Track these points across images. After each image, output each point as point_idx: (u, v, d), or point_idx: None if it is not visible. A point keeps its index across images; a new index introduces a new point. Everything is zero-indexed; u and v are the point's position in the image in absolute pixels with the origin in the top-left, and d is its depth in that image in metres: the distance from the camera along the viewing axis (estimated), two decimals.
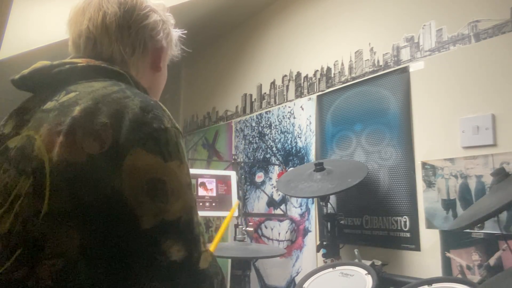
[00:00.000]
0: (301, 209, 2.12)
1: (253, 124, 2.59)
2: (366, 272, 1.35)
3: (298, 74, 2.30)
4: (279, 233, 2.25)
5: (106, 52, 0.76)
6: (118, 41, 0.77)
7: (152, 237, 0.61)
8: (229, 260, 2.25)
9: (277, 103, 2.43)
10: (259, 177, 2.46)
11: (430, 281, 1.23)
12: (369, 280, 1.31)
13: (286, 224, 2.21)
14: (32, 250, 0.58)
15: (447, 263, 1.45)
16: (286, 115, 2.33)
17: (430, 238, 1.53)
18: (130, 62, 0.78)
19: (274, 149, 2.38)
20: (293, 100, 2.31)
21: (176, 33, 0.88)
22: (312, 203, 2.05)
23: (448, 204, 1.47)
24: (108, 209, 0.59)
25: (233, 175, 2.02)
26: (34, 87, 0.72)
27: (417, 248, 1.56)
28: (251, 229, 2.00)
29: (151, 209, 0.61)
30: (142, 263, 0.61)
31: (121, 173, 0.60)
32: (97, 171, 0.59)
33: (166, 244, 0.61)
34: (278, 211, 2.23)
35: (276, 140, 2.37)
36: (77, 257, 0.58)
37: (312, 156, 2.10)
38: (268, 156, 2.43)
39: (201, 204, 1.87)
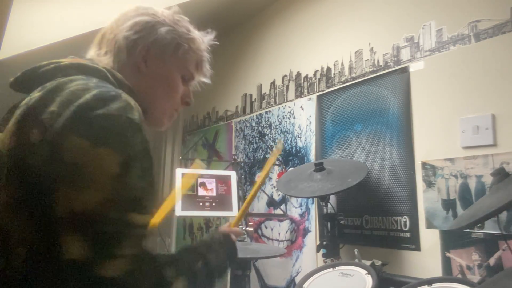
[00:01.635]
0: (301, 209, 2.12)
1: (253, 124, 2.59)
2: (366, 272, 1.35)
3: (298, 74, 2.30)
4: (279, 233, 2.25)
5: (96, 55, 0.80)
6: (102, 48, 0.81)
7: (58, 227, 0.56)
8: None
9: (277, 103, 2.43)
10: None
11: (430, 281, 1.23)
12: (369, 280, 1.31)
13: (286, 224, 2.21)
14: (4, 240, 0.60)
15: (447, 263, 1.45)
16: (286, 115, 2.33)
17: (430, 238, 1.53)
18: (114, 65, 0.79)
19: (274, 149, 2.38)
20: (293, 100, 2.31)
21: (171, 32, 0.83)
22: (312, 203, 2.05)
23: (448, 204, 1.47)
24: (39, 198, 0.58)
25: (233, 175, 2.02)
26: (27, 88, 0.73)
27: (417, 248, 1.56)
28: (251, 229, 2.00)
29: (63, 196, 0.57)
30: (46, 256, 0.58)
31: (50, 159, 0.58)
32: (37, 159, 0.59)
33: (67, 238, 0.56)
34: (278, 211, 2.23)
35: (276, 140, 2.37)
36: (37, 243, 0.58)
37: (312, 156, 2.10)
38: (268, 156, 2.43)
39: (201, 204, 1.87)
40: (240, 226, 1.94)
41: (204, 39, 0.90)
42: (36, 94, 0.65)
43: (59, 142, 0.58)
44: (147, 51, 0.80)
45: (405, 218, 1.62)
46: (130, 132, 0.61)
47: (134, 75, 0.80)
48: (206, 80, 0.96)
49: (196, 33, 0.87)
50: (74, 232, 0.56)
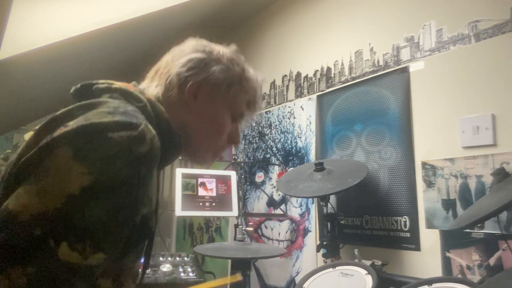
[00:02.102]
0: (301, 209, 2.12)
1: (253, 124, 2.59)
2: (366, 272, 1.35)
3: (298, 74, 2.30)
4: (279, 233, 2.25)
5: (147, 90, 0.80)
6: (155, 81, 0.81)
7: None
8: (229, 260, 2.25)
9: (277, 103, 2.43)
10: (259, 177, 2.46)
11: (430, 281, 1.23)
12: (369, 280, 1.31)
13: (286, 224, 2.21)
14: None
15: (447, 263, 1.45)
16: (286, 115, 2.33)
17: (430, 238, 1.53)
18: (163, 99, 0.79)
19: (274, 149, 2.38)
20: (293, 100, 2.31)
21: (225, 71, 0.82)
22: (312, 203, 2.05)
23: (448, 204, 1.47)
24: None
25: (233, 175, 2.02)
26: (81, 100, 0.73)
27: (417, 248, 1.56)
28: (251, 229, 2.00)
29: (16, 189, 0.54)
30: None
31: (34, 157, 0.56)
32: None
33: None
34: (278, 211, 2.23)
35: (276, 140, 2.37)
36: None
37: (312, 156, 2.10)
38: (268, 156, 2.43)
39: (201, 204, 1.87)
40: (240, 226, 1.94)
41: (258, 78, 0.89)
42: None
43: (48, 146, 0.56)
44: (198, 88, 0.80)
45: (405, 218, 1.62)
46: (120, 162, 0.56)
47: (182, 111, 0.79)
48: (255, 117, 0.97)
49: (251, 73, 0.87)
50: None
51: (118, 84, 0.74)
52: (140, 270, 0.77)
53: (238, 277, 1.43)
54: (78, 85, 0.75)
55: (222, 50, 0.84)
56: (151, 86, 0.81)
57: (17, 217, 0.51)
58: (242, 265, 1.80)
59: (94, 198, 0.54)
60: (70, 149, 0.55)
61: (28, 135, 0.64)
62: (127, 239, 0.60)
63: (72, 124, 0.58)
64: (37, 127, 0.63)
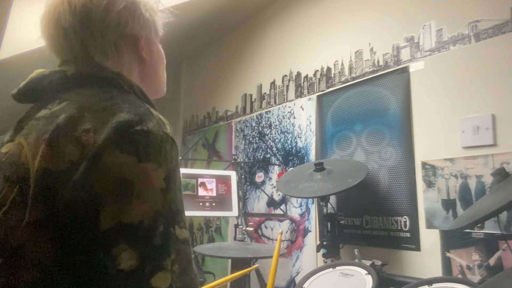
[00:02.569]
0: (301, 209, 2.12)
1: (253, 124, 2.59)
2: (366, 272, 1.35)
3: (298, 74, 2.30)
4: None
5: (84, 53, 0.74)
6: (94, 46, 0.75)
7: (106, 239, 0.56)
8: (229, 260, 2.25)
9: (277, 103, 2.43)
10: (259, 177, 2.46)
11: (430, 281, 1.23)
12: (369, 280, 1.31)
13: (286, 224, 2.21)
14: (11, 260, 0.58)
15: (447, 263, 1.45)
16: (286, 115, 2.33)
17: (430, 238, 1.53)
18: (112, 62, 0.75)
19: (274, 149, 2.38)
20: (293, 100, 2.31)
21: (153, 12, 0.81)
22: (312, 203, 2.05)
23: (448, 204, 1.47)
24: (80, 214, 0.58)
25: (233, 175, 2.02)
26: (32, 99, 0.72)
27: (417, 248, 1.56)
28: (251, 229, 2.00)
29: (111, 210, 0.57)
30: (95, 270, 0.57)
31: (95, 175, 0.58)
32: (76, 176, 0.58)
33: (117, 248, 0.56)
34: (278, 211, 2.23)
35: (276, 140, 2.37)
36: (52, 267, 0.57)
37: (312, 156, 2.10)
38: (268, 156, 2.43)
39: (201, 204, 1.87)
40: (240, 226, 1.94)
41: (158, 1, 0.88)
42: (56, 108, 0.65)
43: (101, 159, 0.58)
44: (140, 39, 0.79)
45: (405, 218, 1.62)
46: (168, 147, 0.63)
47: (137, 66, 0.79)
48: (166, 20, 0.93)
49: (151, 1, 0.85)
50: (123, 242, 0.56)
51: (71, 70, 0.70)
52: None
53: (256, 266, 1.44)
54: (21, 86, 0.72)
55: None
56: (98, 56, 0.74)
57: (141, 224, 0.57)
58: (242, 265, 1.80)
59: (172, 183, 0.62)
60: (128, 156, 0.59)
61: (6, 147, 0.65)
62: None
63: (92, 127, 0.60)
64: (33, 135, 0.63)
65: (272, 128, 2.42)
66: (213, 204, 1.89)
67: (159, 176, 0.60)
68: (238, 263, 1.82)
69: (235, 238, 1.93)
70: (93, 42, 0.74)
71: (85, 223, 0.57)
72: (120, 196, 0.57)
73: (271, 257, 1.90)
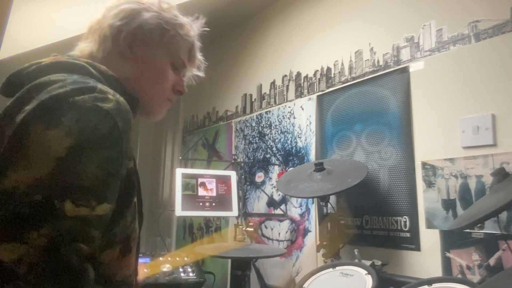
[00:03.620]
0: (301, 209, 2.12)
1: (253, 124, 2.59)
2: (366, 272, 1.35)
3: (298, 74, 2.30)
4: (279, 233, 2.25)
5: (80, 49, 0.80)
6: (89, 39, 0.81)
7: None
8: (229, 260, 2.25)
9: (277, 103, 2.43)
10: (259, 177, 2.46)
11: (430, 281, 1.23)
12: (369, 280, 1.31)
13: (286, 224, 2.21)
14: None
15: (447, 263, 1.45)
16: (286, 115, 2.33)
17: (430, 238, 1.53)
18: (95, 55, 0.78)
19: (274, 149, 2.38)
20: (293, 100, 2.31)
21: (157, 17, 0.81)
22: (312, 203, 2.05)
23: (448, 204, 1.47)
24: None
25: (233, 175, 2.02)
26: (14, 92, 0.72)
27: (417, 248, 1.56)
28: (251, 229, 2.00)
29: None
30: None
31: (8, 143, 0.57)
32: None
33: None
34: (278, 211, 2.23)
35: (276, 140, 2.37)
36: None
37: (312, 156, 2.10)
38: (268, 156, 2.43)
39: (201, 204, 1.87)
40: (240, 227, 1.94)
41: (193, 25, 0.87)
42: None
43: (18, 129, 0.57)
44: (132, 37, 0.79)
45: (405, 218, 1.62)
46: (94, 119, 0.58)
47: (119, 63, 0.79)
48: (199, 73, 0.93)
49: (184, 19, 0.85)
50: None
51: (46, 60, 0.72)
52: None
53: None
54: (4, 80, 0.73)
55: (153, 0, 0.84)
56: (83, 44, 0.80)
57: (14, 191, 0.53)
58: (242, 265, 1.80)
59: (82, 155, 0.56)
60: (40, 123, 0.56)
61: None
62: (119, 193, 0.63)
63: (29, 108, 0.58)
64: None
65: (272, 128, 2.42)
66: (213, 204, 1.89)
67: (61, 144, 0.55)
68: (238, 263, 1.82)
69: (235, 238, 1.93)
70: (91, 30, 0.81)
71: None
72: (7, 159, 0.55)
73: (271, 256, 1.91)
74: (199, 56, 0.90)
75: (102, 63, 0.76)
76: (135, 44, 0.80)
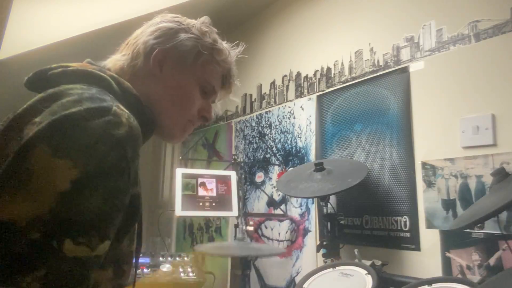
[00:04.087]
0: (301, 209, 2.12)
1: (253, 124, 2.59)
2: (366, 272, 1.35)
3: (298, 74, 2.30)
4: (279, 233, 2.25)
5: (113, 62, 0.78)
6: (123, 52, 0.80)
7: None
8: (229, 260, 2.25)
9: (277, 103, 2.43)
10: (259, 177, 2.46)
11: (430, 281, 1.23)
12: (369, 280, 1.31)
13: (286, 224, 2.21)
14: None
15: (447, 263, 1.45)
16: (286, 115, 2.33)
17: (430, 238, 1.53)
18: (128, 69, 0.77)
19: (274, 149, 2.38)
20: (293, 100, 2.31)
21: (194, 40, 0.79)
22: (312, 203, 2.05)
23: (448, 204, 1.47)
24: None
25: (233, 175, 2.02)
26: (38, 89, 0.70)
27: (417, 248, 1.56)
28: (251, 228, 2.01)
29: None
30: None
31: (11, 164, 0.53)
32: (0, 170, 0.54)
33: None
34: (278, 211, 2.23)
35: (276, 140, 2.37)
36: None
37: (312, 156, 2.10)
38: (268, 156, 2.43)
39: (201, 204, 1.87)
40: (240, 226, 1.94)
41: (231, 51, 0.85)
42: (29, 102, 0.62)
43: (23, 149, 0.53)
44: (164, 57, 0.77)
45: (405, 218, 1.62)
46: (104, 148, 0.55)
47: (147, 80, 0.76)
48: (232, 97, 0.90)
49: (223, 45, 0.84)
50: None
51: (74, 65, 0.70)
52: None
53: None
54: (31, 74, 0.71)
55: (194, 21, 0.82)
56: (117, 57, 0.78)
57: (11, 226, 0.49)
58: (242, 265, 1.80)
59: (87, 189, 0.53)
60: (47, 147, 0.52)
61: None
62: (120, 222, 0.59)
63: (39, 120, 0.56)
64: None
65: (272, 128, 2.42)
66: (213, 204, 1.89)
67: (66, 177, 0.51)
68: (238, 262, 1.82)
69: (235, 238, 1.93)
70: (128, 44, 0.80)
71: None
72: (8, 187, 0.51)
73: (271, 255, 1.91)
74: (234, 82, 0.88)
75: (130, 79, 0.74)
76: (166, 63, 0.77)
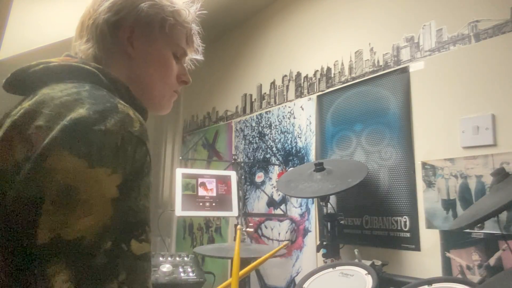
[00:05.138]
0: (301, 209, 2.12)
1: (253, 124, 2.59)
2: (366, 272, 1.35)
3: (298, 74, 2.30)
4: (279, 233, 2.25)
5: (82, 51, 0.75)
6: (84, 37, 0.75)
7: (41, 255, 0.49)
8: (229, 261, 2.24)
9: (277, 103, 2.43)
10: (259, 177, 2.46)
11: (430, 281, 1.23)
12: (369, 280, 1.31)
13: (286, 224, 2.21)
14: None
15: (447, 263, 1.45)
16: (286, 115, 2.33)
17: (430, 238, 1.53)
18: (99, 56, 0.74)
19: (274, 149, 2.38)
20: (293, 100, 2.31)
21: (154, 7, 0.75)
22: (312, 203, 2.05)
23: (448, 204, 1.47)
24: (18, 222, 0.51)
25: (233, 175, 2.02)
26: (20, 90, 0.68)
27: (417, 248, 1.56)
28: (251, 229, 2.00)
29: (50, 221, 0.49)
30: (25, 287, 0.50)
31: (38, 178, 0.51)
32: (19, 177, 0.52)
33: (53, 268, 0.48)
34: (278, 211, 2.23)
35: (276, 140, 2.37)
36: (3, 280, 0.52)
37: (312, 156, 2.10)
38: (268, 156, 2.43)
39: (201, 204, 1.87)
40: (240, 227, 1.94)
41: (190, 10, 0.82)
42: (25, 105, 0.61)
43: (47, 160, 0.52)
44: (132, 32, 0.74)
45: (405, 218, 1.62)
46: (130, 148, 0.55)
47: (124, 62, 0.74)
48: (198, 57, 0.89)
49: (180, 4, 0.80)
50: (60, 261, 0.48)
51: (55, 61, 0.67)
52: None
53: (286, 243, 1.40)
54: (9, 75, 0.68)
55: None
56: (83, 45, 0.74)
57: (82, 241, 0.50)
58: (242, 265, 1.79)
59: (132, 190, 0.54)
60: (77, 159, 0.52)
61: None
62: None
63: (45, 124, 0.55)
64: None
65: (272, 128, 2.42)
66: (213, 204, 1.89)
67: (111, 184, 0.52)
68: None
69: (235, 239, 1.93)
70: (85, 26, 0.75)
71: (23, 233, 0.50)
72: (61, 206, 0.50)
73: (271, 257, 1.91)
74: (197, 40, 0.86)
75: (107, 65, 0.72)
76: (136, 40, 0.74)
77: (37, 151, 0.53)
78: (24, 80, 0.67)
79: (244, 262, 1.82)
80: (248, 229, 1.96)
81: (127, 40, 0.74)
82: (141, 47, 0.75)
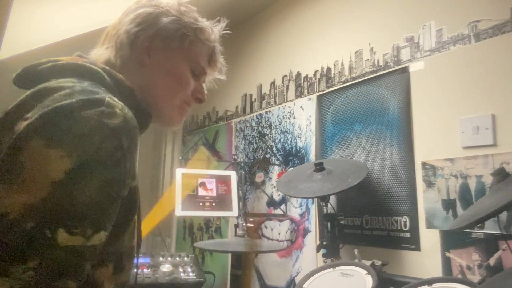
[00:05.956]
0: (301, 209, 2.12)
1: (253, 124, 2.59)
2: (366, 272, 1.35)
3: (298, 74, 2.30)
4: (279, 233, 2.25)
5: (97, 56, 0.78)
6: (105, 45, 0.78)
7: None
8: (229, 259, 2.25)
9: (277, 103, 2.43)
10: (259, 177, 2.46)
11: (430, 281, 1.23)
12: (369, 280, 1.31)
13: (286, 224, 2.21)
14: None
15: (447, 263, 1.45)
16: (286, 115, 2.33)
17: (430, 238, 1.53)
18: (113, 61, 0.76)
19: (274, 149, 2.38)
20: (293, 100, 2.31)
21: (176, 22, 0.78)
22: (312, 203, 2.05)
23: (448, 204, 1.47)
24: None
25: (233, 175, 2.02)
26: (28, 85, 0.69)
27: (417, 248, 1.56)
28: (252, 225, 2.00)
29: None
30: None
31: (3, 156, 0.52)
32: None
33: None
34: (278, 211, 2.23)
35: (276, 140, 2.37)
36: None
37: (312, 156, 2.10)
38: (268, 156, 2.43)
39: (201, 204, 1.87)
40: (240, 223, 1.94)
41: (214, 29, 0.85)
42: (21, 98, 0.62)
43: (16, 142, 0.52)
44: (150, 43, 0.76)
45: (405, 218, 1.62)
46: (98, 137, 0.54)
47: (138, 71, 0.76)
48: (221, 76, 0.91)
49: (204, 23, 0.83)
50: None
51: (64, 59, 0.69)
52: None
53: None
54: (19, 70, 0.69)
55: (171, 2, 0.80)
56: (100, 51, 0.77)
57: (5, 216, 0.49)
58: (242, 261, 1.79)
59: (81, 178, 0.52)
60: (40, 139, 0.52)
61: None
62: (118, 215, 0.59)
63: (31, 115, 0.55)
64: None
65: (272, 128, 2.42)
66: (213, 204, 1.89)
67: (60, 167, 0.51)
68: (239, 259, 1.81)
69: (235, 235, 1.93)
70: (108, 36, 0.78)
71: None
72: (2, 180, 0.50)
73: (271, 252, 1.91)
74: (220, 60, 0.89)
75: (120, 71, 0.73)
76: (153, 50, 0.77)
77: (14, 136, 0.53)
78: (32, 76, 0.68)
79: (244, 257, 1.82)
80: (248, 225, 1.96)
81: (145, 50, 0.76)
82: (157, 58, 0.77)
